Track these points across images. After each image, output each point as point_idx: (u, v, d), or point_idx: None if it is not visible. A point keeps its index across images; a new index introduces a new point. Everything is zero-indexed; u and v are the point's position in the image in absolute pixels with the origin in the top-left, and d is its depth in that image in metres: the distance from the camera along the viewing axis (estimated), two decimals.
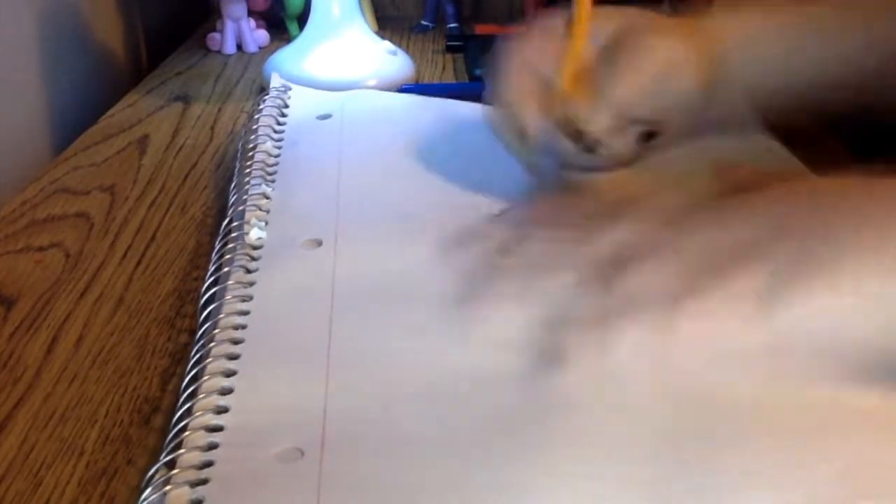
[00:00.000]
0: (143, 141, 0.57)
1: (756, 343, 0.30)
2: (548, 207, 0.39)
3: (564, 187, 0.42)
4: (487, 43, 0.74)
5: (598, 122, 0.40)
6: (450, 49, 0.76)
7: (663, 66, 0.41)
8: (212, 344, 0.32)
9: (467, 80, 0.68)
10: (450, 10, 0.82)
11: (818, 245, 0.30)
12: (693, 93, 0.43)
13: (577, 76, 0.41)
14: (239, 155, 0.49)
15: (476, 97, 0.57)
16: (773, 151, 0.49)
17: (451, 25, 0.82)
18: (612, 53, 0.41)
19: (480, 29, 0.81)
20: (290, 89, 0.56)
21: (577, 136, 0.41)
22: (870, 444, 0.28)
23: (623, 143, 0.42)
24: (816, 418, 0.29)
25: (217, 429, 0.29)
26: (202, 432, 0.29)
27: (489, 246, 0.35)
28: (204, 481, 0.27)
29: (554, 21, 0.42)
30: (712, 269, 0.30)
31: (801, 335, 0.29)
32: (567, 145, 0.41)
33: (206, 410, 0.29)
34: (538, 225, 0.35)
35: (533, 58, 0.42)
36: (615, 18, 0.42)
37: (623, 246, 0.33)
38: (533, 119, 0.41)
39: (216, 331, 0.33)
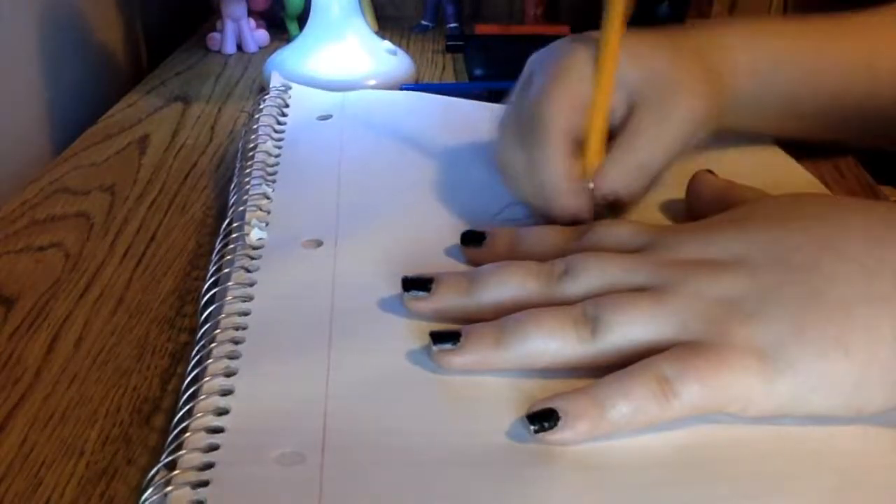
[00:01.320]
0: (143, 141, 0.57)
1: (757, 411, 0.29)
2: (516, 242, 0.37)
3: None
4: (487, 43, 0.74)
5: (631, 191, 0.39)
6: (450, 49, 0.76)
7: (686, 139, 0.40)
8: (212, 344, 0.32)
9: (467, 80, 0.68)
10: (450, 10, 0.82)
11: (823, 293, 0.29)
12: (705, 138, 0.43)
13: (603, 141, 0.40)
14: (239, 155, 0.49)
15: (476, 97, 0.57)
16: (777, 158, 0.49)
17: (451, 25, 0.82)
18: (638, 123, 0.39)
19: (480, 29, 0.81)
20: (290, 88, 0.56)
21: (609, 202, 0.40)
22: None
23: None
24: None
25: (218, 430, 0.29)
26: (203, 433, 0.29)
27: (459, 289, 0.34)
28: (205, 483, 0.27)
29: (581, 60, 0.40)
30: (711, 325, 0.29)
31: (801, 400, 0.29)
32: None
33: (206, 412, 0.29)
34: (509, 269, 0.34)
35: (568, 120, 0.39)
36: (639, 61, 0.40)
37: (602, 291, 0.32)
38: (585, 208, 0.39)
39: (217, 331, 0.33)
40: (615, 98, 0.40)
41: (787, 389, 0.28)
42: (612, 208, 0.40)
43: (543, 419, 0.28)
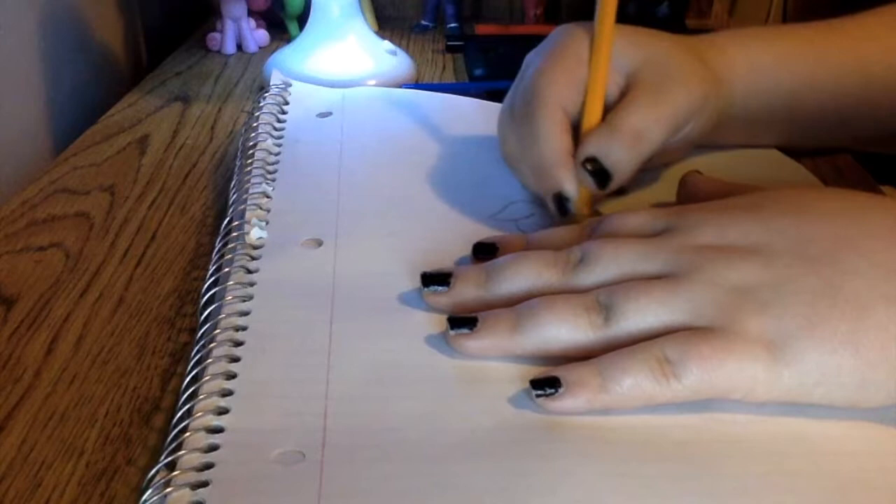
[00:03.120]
0: (143, 141, 0.57)
1: (759, 400, 0.29)
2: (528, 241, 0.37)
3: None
4: (487, 43, 0.74)
5: (620, 161, 0.39)
6: (450, 49, 0.76)
7: (681, 117, 0.40)
8: (212, 345, 0.32)
9: (467, 80, 0.68)
10: (450, 10, 0.82)
11: (838, 288, 0.29)
12: (700, 132, 0.43)
13: (598, 115, 0.40)
14: (239, 153, 0.49)
15: (476, 97, 0.57)
16: (777, 160, 0.49)
17: (451, 25, 0.82)
18: (634, 97, 0.40)
19: (480, 29, 0.81)
20: (290, 86, 0.56)
21: (594, 170, 0.39)
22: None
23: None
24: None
25: (217, 430, 0.29)
26: (203, 433, 0.29)
27: (474, 281, 0.34)
28: (204, 483, 0.27)
29: (577, 42, 0.40)
30: (723, 312, 0.29)
31: (804, 391, 0.29)
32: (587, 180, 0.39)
33: (206, 411, 0.29)
34: (523, 259, 0.34)
35: (564, 97, 0.40)
36: (636, 47, 0.41)
37: (618, 279, 0.32)
38: (572, 186, 0.39)
39: (217, 331, 0.33)
40: (612, 79, 0.40)
41: (791, 381, 0.29)
42: (601, 184, 0.39)
43: (546, 385, 0.29)
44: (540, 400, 0.29)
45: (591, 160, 0.38)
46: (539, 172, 0.40)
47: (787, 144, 0.49)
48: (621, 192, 0.42)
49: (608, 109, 0.40)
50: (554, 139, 0.39)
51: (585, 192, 0.40)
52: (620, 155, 0.38)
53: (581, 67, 0.40)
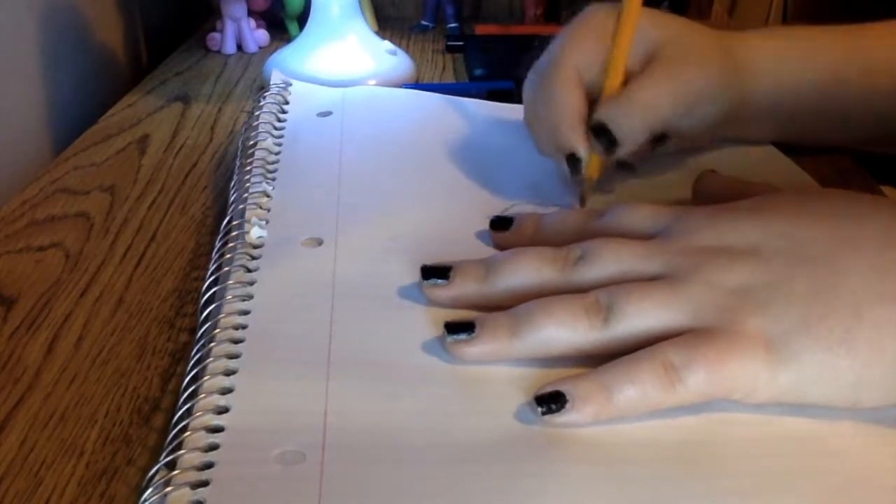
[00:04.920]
0: (143, 141, 0.57)
1: (759, 399, 0.29)
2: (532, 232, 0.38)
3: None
4: (487, 43, 0.74)
5: (629, 130, 0.40)
6: (450, 49, 0.76)
7: (692, 95, 0.41)
8: (212, 344, 0.32)
9: (467, 80, 0.68)
10: (450, 10, 0.82)
11: (834, 287, 0.29)
12: (717, 117, 0.43)
13: (617, 87, 0.41)
14: (239, 152, 0.49)
15: (476, 97, 0.57)
16: (777, 161, 0.49)
17: (451, 25, 0.82)
18: (651, 71, 0.41)
19: (480, 29, 0.81)
20: (290, 85, 0.56)
21: (602, 136, 0.40)
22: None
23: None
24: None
25: (217, 429, 0.29)
26: (203, 433, 0.28)
27: (474, 278, 0.34)
28: (204, 483, 0.27)
29: (604, 18, 0.41)
30: (723, 313, 0.30)
31: (802, 390, 0.29)
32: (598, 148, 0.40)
33: (206, 411, 0.29)
34: (522, 258, 0.34)
35: (582, 64, 0.41)
36: (660, 27, 0.42)
37: (617, 277, 0.32)
38: (584, 147, 0.40)
39: (216, 330, 0.33)
40: (633, 54, 0.41)
41: (789, 380, 0.29)
42: (608, 151, 0.41)
43: (551, 401, 0.29)
44: (546, 416, 0.29)
45: (601, 126, 0.40)
46: (553, 132, 0.41)
47: (813, 140, 0.49)
48: (631, 168, 0.44)
49: (627, 83, 0.41)
50: (569, 101, 0.40)
51: (596, 159, 0.41)
52: (629, 123, 0.40)
53: (604, 40, 0.41)
